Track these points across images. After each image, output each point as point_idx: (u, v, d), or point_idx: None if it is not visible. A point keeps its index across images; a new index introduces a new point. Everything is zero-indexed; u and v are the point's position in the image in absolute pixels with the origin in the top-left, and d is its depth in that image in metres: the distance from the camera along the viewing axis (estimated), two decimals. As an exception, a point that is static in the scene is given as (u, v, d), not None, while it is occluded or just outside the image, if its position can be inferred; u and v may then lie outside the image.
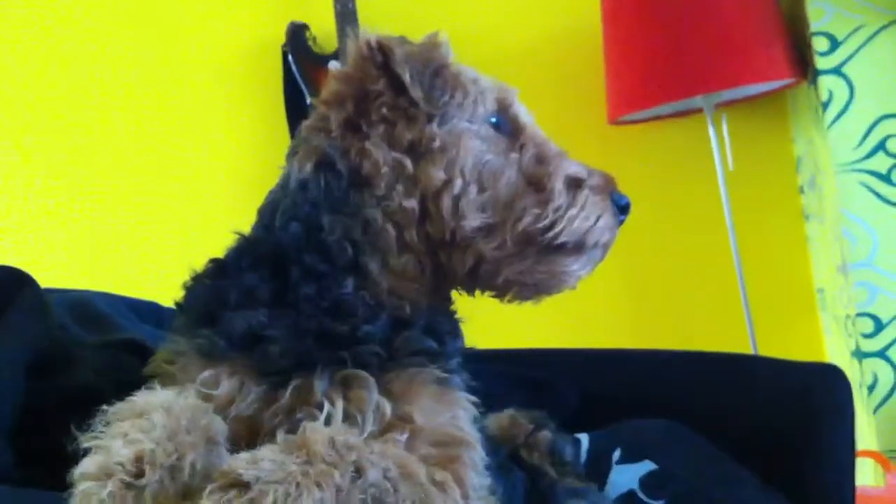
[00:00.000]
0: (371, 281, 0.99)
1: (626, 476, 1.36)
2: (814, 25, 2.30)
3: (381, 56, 1.03)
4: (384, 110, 1.02)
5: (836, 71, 2.29)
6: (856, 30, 2.28)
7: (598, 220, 1.04)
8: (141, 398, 0.82)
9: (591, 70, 2.69)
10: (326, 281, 0.97)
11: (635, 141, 2.79)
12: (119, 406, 0.81)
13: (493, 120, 1.07)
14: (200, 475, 0.75)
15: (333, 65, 2.80)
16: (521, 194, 1.03)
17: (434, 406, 0.94)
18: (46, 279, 1.20)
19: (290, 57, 2.87)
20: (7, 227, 3.03)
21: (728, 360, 1.61)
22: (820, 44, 2.29)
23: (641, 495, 1.32)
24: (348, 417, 0.90)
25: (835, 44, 2.29)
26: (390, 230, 1.00)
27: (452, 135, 1.02)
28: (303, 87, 2.84)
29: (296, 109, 2.88)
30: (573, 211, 1.03)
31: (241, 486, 0.70)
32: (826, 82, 2.29)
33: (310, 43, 2.88)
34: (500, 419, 1.33)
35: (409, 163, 1.00)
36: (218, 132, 3.02)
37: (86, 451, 0.75)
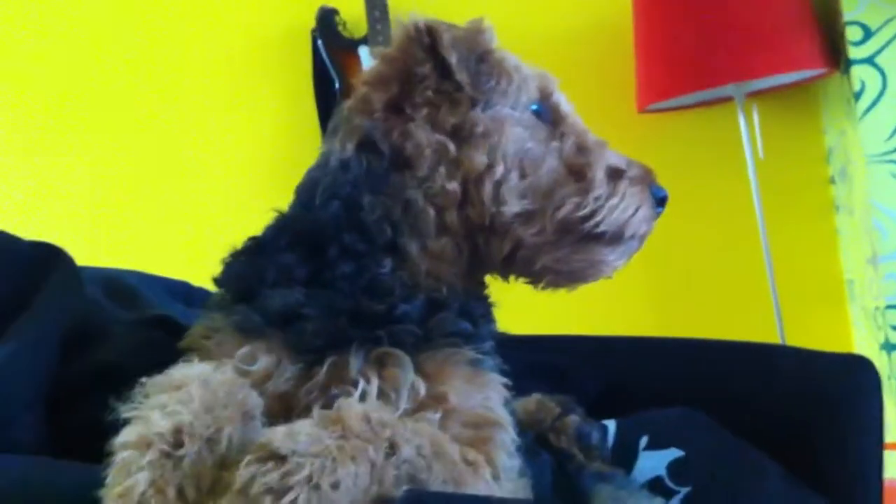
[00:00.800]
0: (409, 262, 1.00)
1: (652, 462, 1.36)
2: (847, 15, 2.27)
3: (429, 39, 1.03)
4: (429, 93, 1.02)
5: (869, 61, 2.26)
6: (889, 20, 2.25)
7: (636, 211, 1.05)
8: (178, 371, 0.83)
9: (621, 58, 2.69)
10: (365, 260, 0.98)
11: (664, 130, 2.78)
12: (157, 378, 0.82)
13: (535, 108, 1.07)
14: (236, 448, 0.76)
15: (363, 50, 2.80)
16: (561, 182, 1.03)
17: (467, 387, 0.95)
18: (77, 260, 1.21)
19: (319, 41, 2.87)
20: (29, 210, 3.06)
21: (754, 349, 1.60)
22: (853, 33, 2.27)
23: (668, 482, 1.32)
24: (382, 395, 0.90)
25: (868, 33, 2.26)
26: (430, 212, 1.00)
27: (495, 121, 1.02)
28: (332, 71, 2.85)
29: (324, 94, 2.89)
30: (613, 201, 1.03)
31: (278, 458, 0.70)
32: (858, 72, 2.26)
33: (339, 27, 2.88)
34: (527, 403, 1.34)
35: (451, 146, 1.01)
36: (247, 116, 3.03)
37: (125, 422, 0.76)
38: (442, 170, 1.01)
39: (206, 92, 3.04)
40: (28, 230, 1.15)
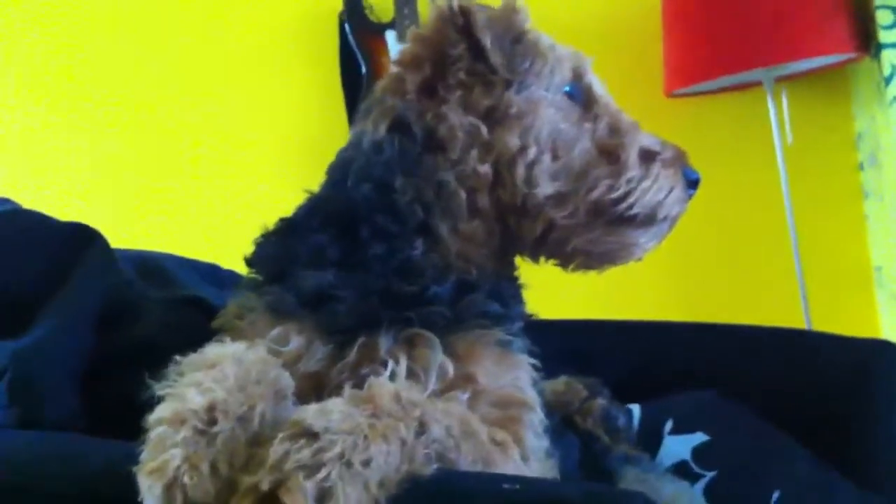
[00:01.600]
0: (440, 244, 1.00)
1: (678, 447, 1.36)
2: (878, -1, 2.25)
3: (462, 19, 1.03)
4: (462, 75, 1.02)
5: (900, 45, 2.24)
6: (921, 4, 2.23)
7: (669, 193, 1.05)
8: (212, 350, 0.84)
9: (649, 42, 2.67)
10: (397, 241, 0.98)
11: (692, 115, 2.76)
12: (192, 357, 0.83)
13: (568, 89, 1.07)
14: (269, 426, 0.77)
15: (390, 34, 2.80)
16: (594, 164, 1.03)
17: (496, 368, 0.96)
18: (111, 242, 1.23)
19: (346, 25, 2.87)
20: (59, 190, 3.09)
21: (781, 334, 1.60)
22: (883, 17, 2.24)
23: (694, 466, 1.32)
24: (412, 375, 0.91)
25: (899, 17, 2.24)
26: (462, 194, 1.01)
27: (529, 102, 1.02)
28: (358, 56, 2.85)
29: (351, 78, 2.88)
30: (646, 183, 1.03)
31: (311, 435, 0.71)
32: (889, 57, 2.24)
33: (367, 12, 2.87)
34: (555, 385, 1.34)
35: (484, 129, 1.01)
36: (273, 99, 3.03)
37: (160, 399, 0.77)
38: (474, 152, 1.01)
39: (234, 76, 3.05)
40: (62, 214, 1.16)
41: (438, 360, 0.92)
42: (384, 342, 0.93)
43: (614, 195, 1.02)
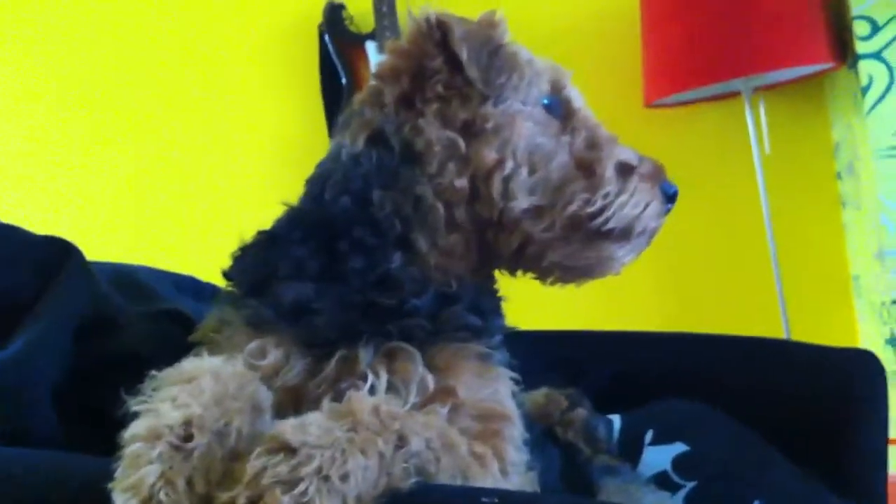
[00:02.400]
0: (419, 257, 1.00)
1: (658, 457, 1.36)
2: (855, 9, 2.27)
3: (440, 33, 1.02)
4: (439, 88, 1.02)
5: (877, 55, 2.26)
6: (897, 14, 2.25)
7: (646, 207, 1.05)
8: (189, 364, 0.84)
9: (628, 53, 2.69)
10: (375, 255, 0.98)
11: (671, 125, 2.78)
12: (168, 371, 0.83)
13: (546, 102, 1.07)
14: (246, 441, 0.76)
15: (370, 45, 2.81)
16: (571, 178, 1.03)
17: (476, 381, 0.95)
18: (87, 254, 1.22)
19: (326, 36, 2.87)
20: (47, 204, 3.07)
21: (762, 343, 1.60)
22: (861, 28, 2.27)
23: (674, 476, 1.32)
24: (392, 388, 0.91)
25: (876, 28, 2.26)
26: (440, 208, 1.00)
27: (506, 116, 1.02)
28: (339, 66, 2.85)
29: (331, 89, 2.89)
30: (622, 198, 1.03)
31: (288, 449, 0.70)
32: (866, 67, 2.26)
33: (346, 22, 2.88)
34: (535, 396, 1.34)
35: (461, 142, 1.00)
36: (254, 111, 3.03)
37: (135, 414, 0.76)
38: (451, 166, 1.00)
39: (213, 87, 3.05)
40: (38, 226, 1.15)
41: (420, 373, 0.92)
42: (364, 355, 0.92)
43: (591, 209, 1.01)
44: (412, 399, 0.90)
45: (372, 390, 0.89)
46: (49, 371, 1.02)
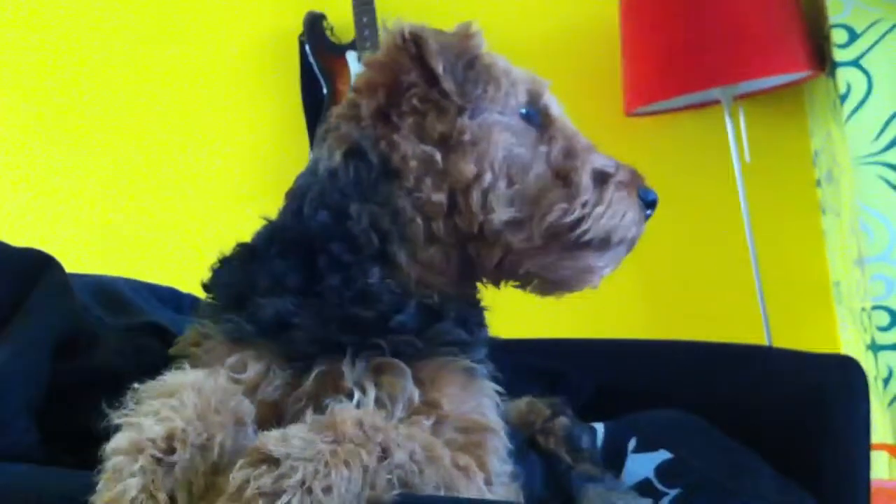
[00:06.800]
0: (398, 270, 0.99)
1: (641, 465, 1.36)
2: (833, 18, 2.28)
3: (415, 47, 1.02)
4: (415, 101, 1.01)
5: (855, 63, 2.27)
6: (874, 22, 2.26)
7: (623, 216, 1.04)
8: (171, 378, 0.83)
9: (608, 62, 2.69)
10: (352, 271, 0.98)
11: (652, 133, 2.78)
12: (149, 384, 0.82)
13: (524, 111, 1.06)
14: (228, 454, 0.76)
15: (351, 55, 2.80)
16: (548, 188, 1.02)
17: (461, 394, 0.95)
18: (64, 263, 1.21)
19: (307, 46, 2.87)
20: (24, 216, 3.05)
21: (744, 351, 1.60)
22: (839, 36, 2.28)
23: (657, 484, 1.32)
24: (379, 403, 0.91)
25: (853, 36, 2.27)
26: (419, 221, 1.00)
27: (483, 128, 1.01)
28: (320, 76, 2.85)
29: (312, 99, 2.89)
30: (600, 208, 1.02)
31: (271, 461, 0.70)
32: (844, 75, 2.28)
33: (327, 33, 2.88)
34: (517, 405, 1.34)
35: (438, 156, 1.00)
36: (235, 121, 3.02)
37: (116, 428, 0.76)
38: (428, 181, 1.00)
39: (193, 97, 3.04)
40: (17, 237, 1.15)
41: (409, 389, 0.92)
42: (349, 369, 0.92)
43: (569, 219, 1.01)
44: (399, 413, 0.90)
45: (359, 406, 0.89)
46: (26, 386, 1.01)
